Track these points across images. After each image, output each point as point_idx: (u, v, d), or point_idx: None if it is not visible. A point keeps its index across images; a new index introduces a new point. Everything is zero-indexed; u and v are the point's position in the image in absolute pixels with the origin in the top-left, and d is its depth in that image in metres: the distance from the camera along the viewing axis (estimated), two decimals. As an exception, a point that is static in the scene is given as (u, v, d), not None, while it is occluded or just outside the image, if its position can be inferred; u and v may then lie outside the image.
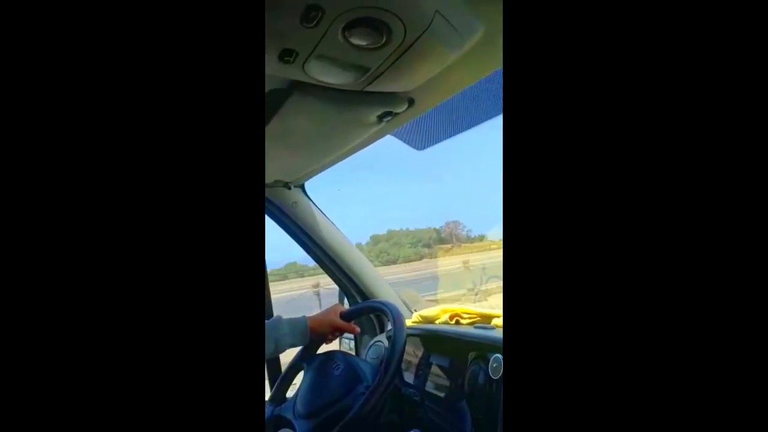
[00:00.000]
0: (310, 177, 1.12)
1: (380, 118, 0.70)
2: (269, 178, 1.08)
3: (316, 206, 1.17)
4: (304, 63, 0.52)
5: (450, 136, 0.86)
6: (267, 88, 0.62)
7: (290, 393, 0.81)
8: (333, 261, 1.19)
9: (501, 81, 0.66)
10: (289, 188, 1.13)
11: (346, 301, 1.25)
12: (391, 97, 0.66)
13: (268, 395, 0.83)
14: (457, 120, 0.84)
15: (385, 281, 1.25)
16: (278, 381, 0.81)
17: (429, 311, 1.04)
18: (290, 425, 0.70)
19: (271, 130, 0.73)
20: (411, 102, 0.68)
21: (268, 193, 1.13)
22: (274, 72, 0.55)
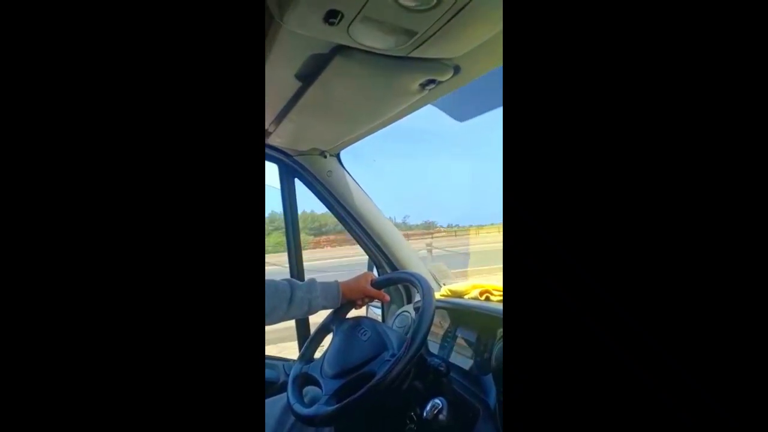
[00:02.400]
0: (345, 147, 1.11)
1: (423, 86, 0.68)
2: (306, 145, 1.08)
3: (351, 176, 1.17)
4: (349, 25, 0.51)
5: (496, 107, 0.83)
6: (309, 52, 0.61)
7: (318, 354, 0.84)
8: (365, 231, 1.20)
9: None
10: (325, 157, 1.13)
11: (375, 271, 1.27)
12: (436, 64, 0.63)
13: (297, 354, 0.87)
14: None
15: (416, 254, 1.25)
16: (307, 341, 0.84)
17: (458, 286, 1.04)
18: (317, 383, 0.73)
19: (311, 96, 0.73)
20: (457, 70, 0.65)
21: (303, 160, 1.13)
22: (318, 35, 0.54)
